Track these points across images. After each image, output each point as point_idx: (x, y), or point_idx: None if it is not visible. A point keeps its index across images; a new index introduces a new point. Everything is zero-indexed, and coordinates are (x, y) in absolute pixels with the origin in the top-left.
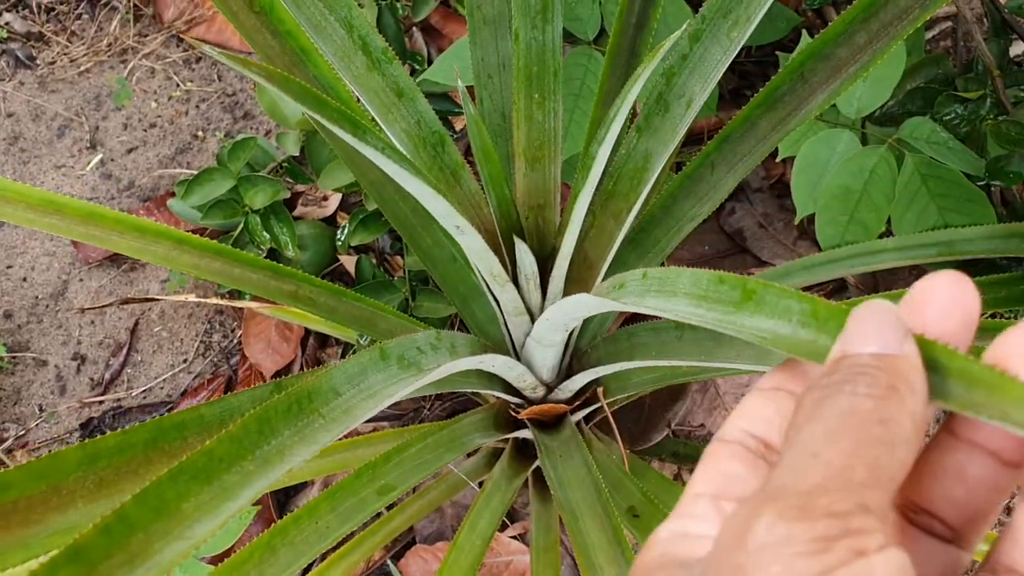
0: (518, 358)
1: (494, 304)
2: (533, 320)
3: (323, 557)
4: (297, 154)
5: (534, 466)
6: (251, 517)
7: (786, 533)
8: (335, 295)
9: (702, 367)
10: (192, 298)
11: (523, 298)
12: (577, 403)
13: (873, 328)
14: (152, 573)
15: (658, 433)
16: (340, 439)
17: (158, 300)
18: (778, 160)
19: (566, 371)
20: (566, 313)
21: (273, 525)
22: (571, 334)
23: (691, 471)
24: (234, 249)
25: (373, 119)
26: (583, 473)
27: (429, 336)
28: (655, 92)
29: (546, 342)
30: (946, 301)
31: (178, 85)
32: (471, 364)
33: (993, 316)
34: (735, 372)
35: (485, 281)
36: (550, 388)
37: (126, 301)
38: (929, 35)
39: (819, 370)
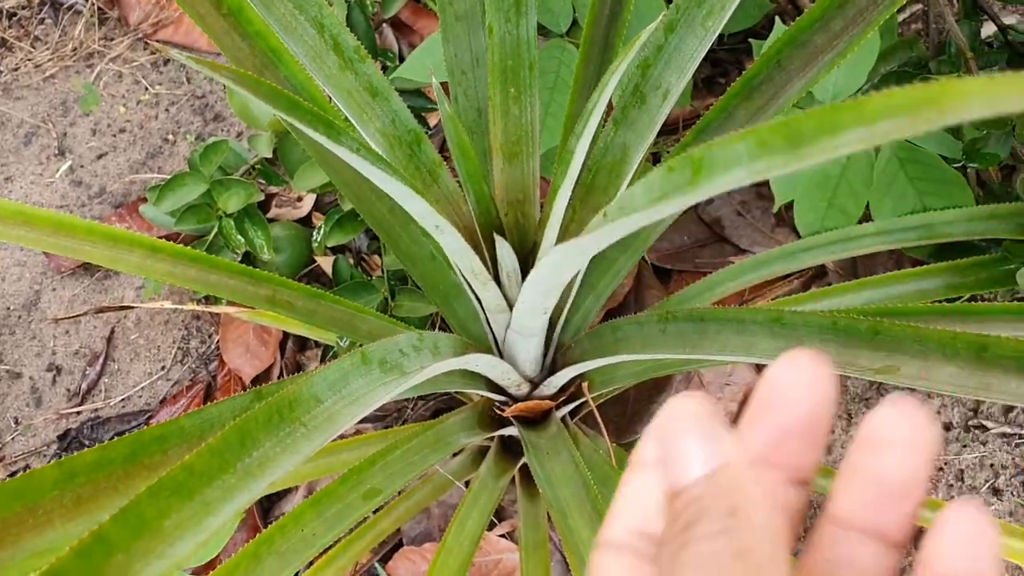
0: (501, 355)
1: (475, 301)
2: None
3: (310, 564)
4: (270, 156)
5: (520, 463)
6: (235, 525)
7: None
8: (313, 298)
9: (687, 359)
10: (168, 305)
11: (504, 295)
12: (562, 398)
13: (692, 443)
14: None
15: (643, 425)
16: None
17: (133, 308)
18: None
19: (549, 367)
20: (543, 282)
21: (259, 534)
22: (552, 327)
23: None
24: (209, 256)
25: (347, 119)
26: (571, 470)
27: (411, 338)
28: (631, 84)
29: (527, 332)
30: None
31: (146, 89)
32: (455, 365)
33: (973, 299)
34: (720, 363)
35: (466, 279)
36: (534, 385)
37: (101, 310)
38: (901, 18)
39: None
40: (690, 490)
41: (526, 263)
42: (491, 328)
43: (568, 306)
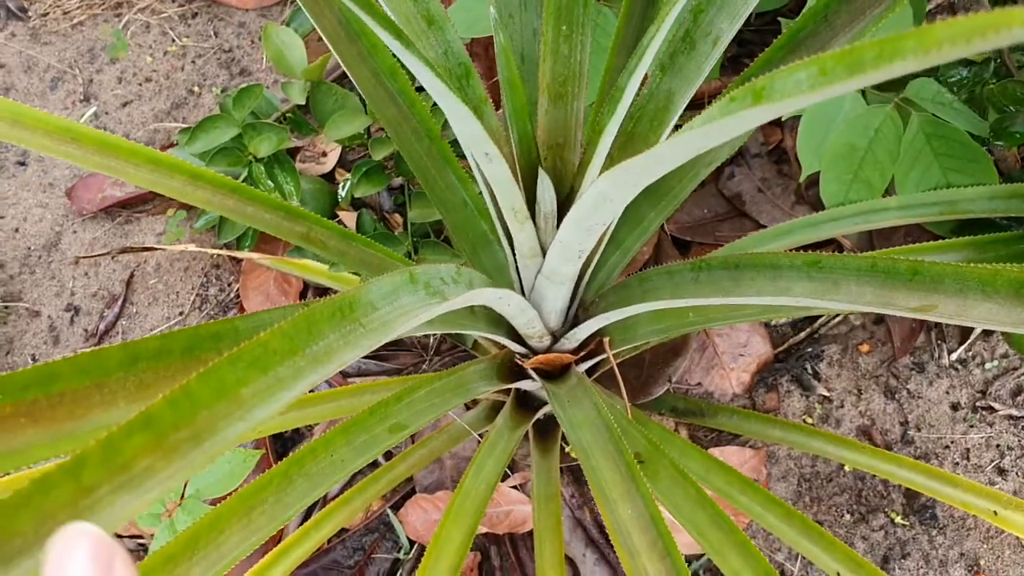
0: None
1: (507, 247)
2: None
3: (325, 502)
4: (303, 103)
5: (535, 419)
6: (254, 462)
7: None
8: (345, 239)
9: (711, 314)
10: (192, 247)
11: (539, 238)
12: (582, 354)
13: None
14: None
15: (659, 387)
16: (344, 386)
17: (156, 250)
18: (785, 118)
19: (572, 320)
20: (583, 218)
21: (291, 454)
22: (578, 282)
23: (688, 426)
24: (249, 187)
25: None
26: (593, 415)
27: (451, 269)
28: (681, 29)
29: (557, 278)
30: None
31: (174, 40)
32: (490, 298)
33: None
34: (746, 318)
35: (502, 222)
36: (555, 338)
37: (124, 250)
38: (929, 8)
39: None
40: None
41: (562, 208)
42: (519, 277)
43: (595, 261)
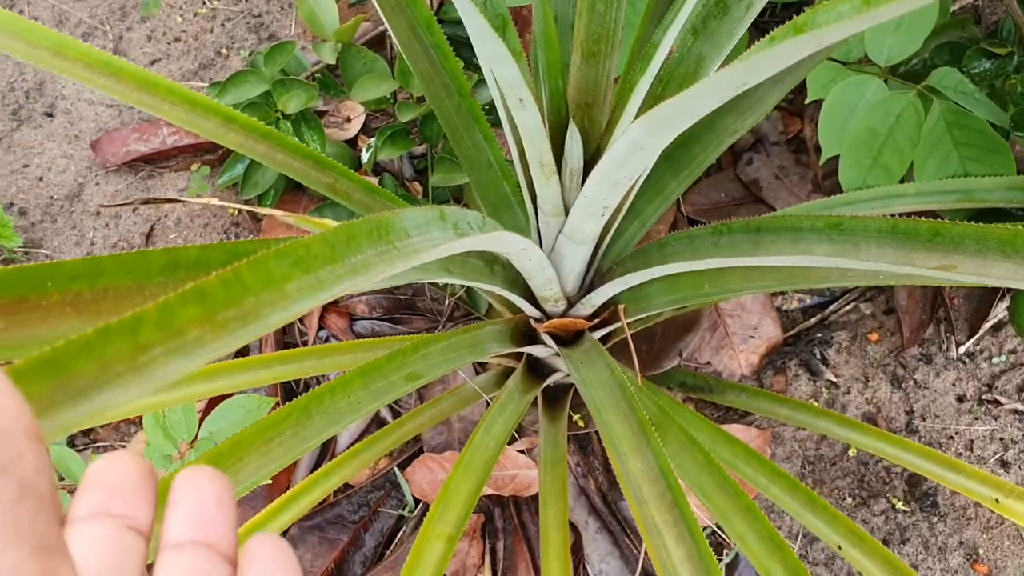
0: None
1: (530, 206)
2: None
3: (333, 454)
4: (333, 62)
5: (544, 385)
6: (267, 408)
7: None
8: (370, 192)
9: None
10: (215, 202)
11: (563, 196)
12: (595, 321)
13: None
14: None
15: (669, 361)
16: (359, 340)
17: (179, 202)
18: (807, 101)
19: (588, 286)
20: (611, 172)
21: (311, 391)
22: (596, 249)
23: (696, 402)
24: (280, 133)
25: None
26: (606, 375)
27: (477, 216)
28: None
29: (579, 238)
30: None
31: (204, 2)
32: (515, 244)
33: None
34: (762, 289)
35: (527, 179)
36: (570, 303)
37: (146, 201)
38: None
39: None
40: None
41: (587, 168)
42: (540, 239)
43: (614, 228)
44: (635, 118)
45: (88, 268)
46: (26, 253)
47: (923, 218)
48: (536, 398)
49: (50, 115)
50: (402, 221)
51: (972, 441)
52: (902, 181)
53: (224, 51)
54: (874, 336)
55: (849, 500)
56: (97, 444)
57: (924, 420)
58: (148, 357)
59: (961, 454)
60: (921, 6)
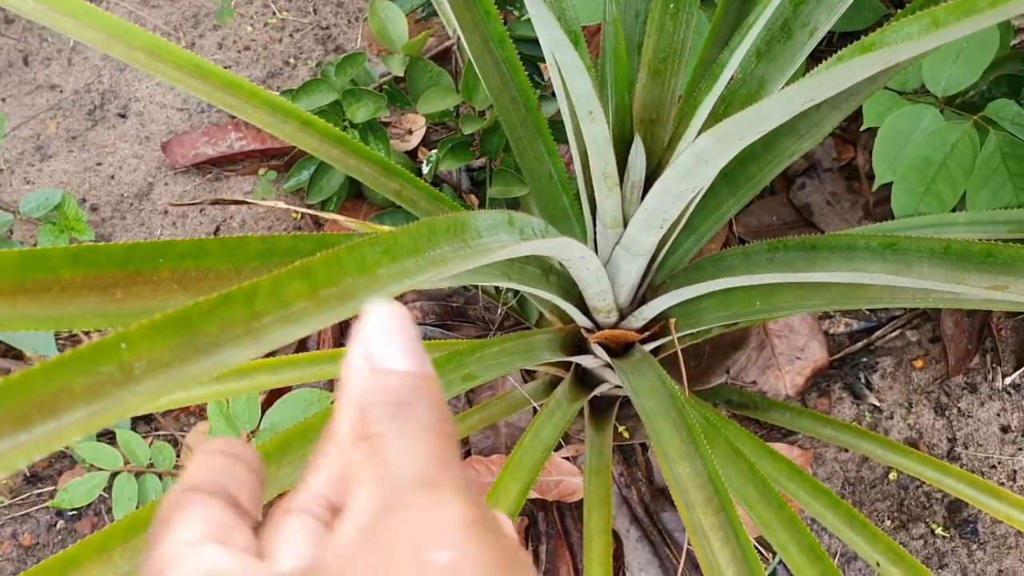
0: None
1: (588, 217)
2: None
3: None
4: (402, 75)
5: (591, 396)
6: (328, 402)
7: None
8: (434, 200)
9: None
10: (281, 205)
11: (623, 208)
12: (646, 334)
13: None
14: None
15: (716, 377)
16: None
17: (246, 204)
18: (863, 128)
19: (640, 299)
20: (674, 184)
21: None
22: (651, 262)
23: (740, 419)
24: (354, 140)
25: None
26: (657, 385)
27: (541, 223)
28: (780, 19)
29: (636, 249)
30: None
31: (274, 13)
32: (575, 251)
33: None
34: (813, 308)
35: (588, 190)
36: (622, 315)
37: (215, 202)
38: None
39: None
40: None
41: (648, 182)
42: (596, 250)
43: (670, 242)
44: (697, 135)
45: (195, 249)
46: None
47: (976, 241)
48: (583, 408)
49: (123, 116)
50: (475, 221)
51: (1015, 471)
52: (954, 210)
53: (292, 61)
54: (919, 363)
55: (888, 522)
56: (158, 432)
57: (966, 448)
58: (261, 323)
59: (1003, 483)
60: (985, 28)
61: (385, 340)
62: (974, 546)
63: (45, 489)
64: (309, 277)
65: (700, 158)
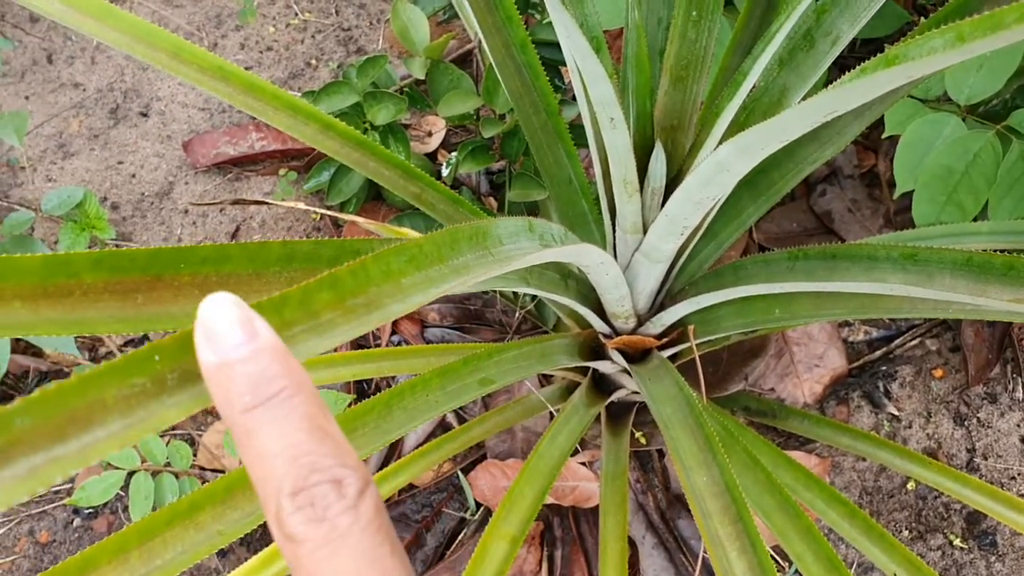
0: None
1: (608, 223)
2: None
3: (398, 456)
4: (423, 77)
5: (608, 402)
6: (344, 404)
7: None
8: (454, 203)
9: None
10: (301, 206)
11: (643, 215)
12: (664, 341)
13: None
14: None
15: (734, 384)
16: (434, 345)
17: (267, 204)
18: (884, 136)
19: (659, 306)
20: (698, 188)
21: (392, 387)
22: (671, 269)
23: (758, 427)
24: (374, 143)
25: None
26: (674, 391)
27: (560, 230)
28: (803, 27)
29: (655, 256)
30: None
31: (296, 14)
32: (595, 258)
33: None
34: (832, 317)
35: (608, 196)
36: (640, 322)
37: (235, 202)
38: None
39: None
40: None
41: (669, 189)
42: (615, 256)
43: (690, 249)
44: (719, 142)
45: (216, 254)
46: (117, 246)
47: (998, 253)
48: (600, 413)
49: (145, 115)
50: (497, 229)
51: None
52: (975, 219)
53: (313, 62)
54: (939, 372)
55: (906, 533)
56: (176, 432)
57: (986, 459)
58: (291, 333)
59: (1023, 495)
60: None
61: (219, 322)
62: (992, 558)
63: (62, 487)
64: (336, 287)
65: (721, 166)
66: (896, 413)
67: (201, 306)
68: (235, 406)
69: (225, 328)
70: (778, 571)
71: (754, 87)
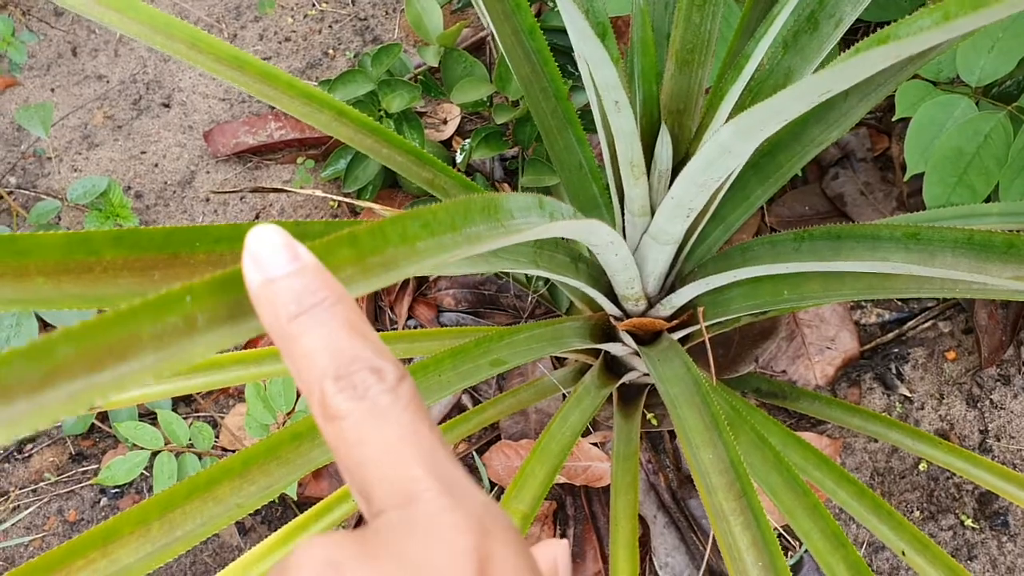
0: None
1: (617, 205)
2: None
3: None
4: (436, 65)
5: (619, 383)
6: None
7: None
8: (466, 189)
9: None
10: (319, 193)
11: (650, 197)
12: (674, 323)
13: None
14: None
15: (745, 366)
16: (448, 328)
17: (285, 192)
18: (895, 118)
19: (669, 288)
20: (700, 172)
21: (407, 366)
22: (679, 252)
23: (769, 408)
24: (387, 129)
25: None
26: (682, 372)
27: (571, 209)
28: (807, 10)
29: (663, 238)
30: None
31: (314, 4)
32: (603, 235)
33: None
34: (840, 298)
35: (616, 179)
36: (650, 304)
37: (255, 190)
38: None
39: None
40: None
41: (675, 171)
42: (625, 239)
43: (698, 231)
44: (724, 122)
45: (230, 232)
46: None
47: (999, 232)
48: (611, 395)
49: (167, 106)
50: (508, 203)
51: None
52: (987, 201)
53: (331, 52)
54: (951, 354)
55: (917, 513)
56: (198, 414)
57: (999, 440)
58: None
59: None
60: (998, 20)
61: (264, 247)
62: (1004, 538)
63: (89, 467)
64: (356, 245)
65: (723, 148)
66: (908, 395)
67: (248, 235)
68: (281, 317)
69: (270, 252)
70: (787, 552)
71: (760, 69)
